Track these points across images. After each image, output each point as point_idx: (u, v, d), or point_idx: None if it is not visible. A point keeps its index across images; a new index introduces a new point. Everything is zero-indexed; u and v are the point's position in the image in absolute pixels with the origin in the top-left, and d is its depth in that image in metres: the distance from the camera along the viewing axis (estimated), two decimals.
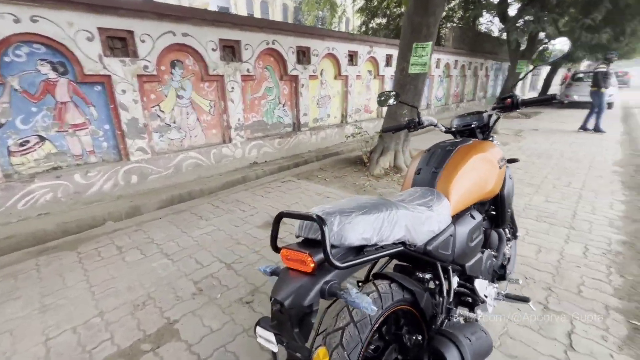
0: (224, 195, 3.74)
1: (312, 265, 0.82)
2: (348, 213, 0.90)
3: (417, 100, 4.30)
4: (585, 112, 7.68)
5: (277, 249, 0.94)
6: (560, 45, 2.18)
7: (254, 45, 4.49)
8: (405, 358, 1.09)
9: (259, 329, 0.85)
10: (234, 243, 2.59)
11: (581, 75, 12.08)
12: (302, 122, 5.56)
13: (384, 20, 12.20)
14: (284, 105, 5.29)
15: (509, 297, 1.56)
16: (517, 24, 8.40)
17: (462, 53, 10.01)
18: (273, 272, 0.97)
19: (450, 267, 1.27)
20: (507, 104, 1.51)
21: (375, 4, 11.76)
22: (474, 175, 1.36)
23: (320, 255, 0.82)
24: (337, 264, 0.80)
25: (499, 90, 13.19)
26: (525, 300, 1.53)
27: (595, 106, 7.26)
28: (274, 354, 0.91)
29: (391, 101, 1.92)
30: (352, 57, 6.27)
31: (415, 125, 1.76)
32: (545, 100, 1.43)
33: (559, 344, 1.55)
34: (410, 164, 1.57)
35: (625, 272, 2.10)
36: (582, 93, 11.27)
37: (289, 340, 0.80)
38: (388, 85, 7.34)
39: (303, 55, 5.33)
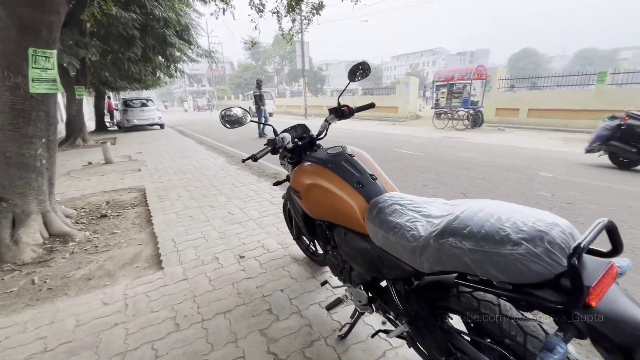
0: None
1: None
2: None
3: (54, 131, 2.92)
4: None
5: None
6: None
7: None
8: None
9: None
10: None
11: (131, 102, 13.36)
12: None
13: None
14: None
15: None
16: (63, 48, 7.55)
17: None
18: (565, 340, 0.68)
19: None
20: (346, 112, 1.73)
21: None
22: (379, 167, 1.52)
23: None
24: None
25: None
26: None
27: (259, 119, 9.77)
28: None
29: (244, 119, 1.45)
30: None
31: (281, 145, 1.48)
32: (369, 106, 1.83)
33: None
34: (328, 184, 1.36)
35: None
36: (140, 117, 12.68)
37: None
38: None
39: None
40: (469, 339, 1.09)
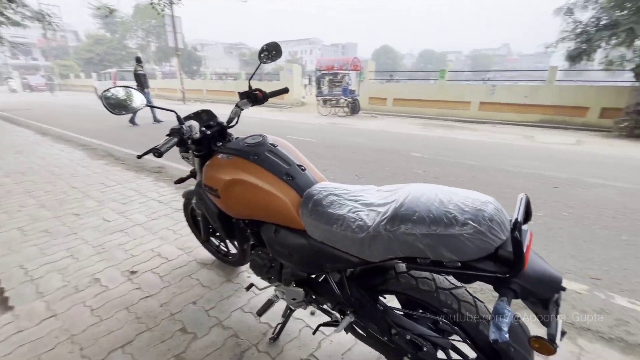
0: None
1: None
2: None
3: None
4: None
5: None
6: None
7: None
8: None
9: None
10: None
11: None
12: None
13: None
14: None
15: None
16: None
17: None
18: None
19: None
20: (259, 96, 1.55)
21: None
22: (304, 157, 1.42)
23: None
24: None
25: None
26: None
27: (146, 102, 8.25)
28: None
29: (135, 102, 1.11)
30: None
31: (189, 136, 1.21)
32: (284, 91, 1.68)
33: None
34: (253, 178, 1.21)
35: None
36: None
37: None
38: None
39: None
40: (402, 313, 1.17)
